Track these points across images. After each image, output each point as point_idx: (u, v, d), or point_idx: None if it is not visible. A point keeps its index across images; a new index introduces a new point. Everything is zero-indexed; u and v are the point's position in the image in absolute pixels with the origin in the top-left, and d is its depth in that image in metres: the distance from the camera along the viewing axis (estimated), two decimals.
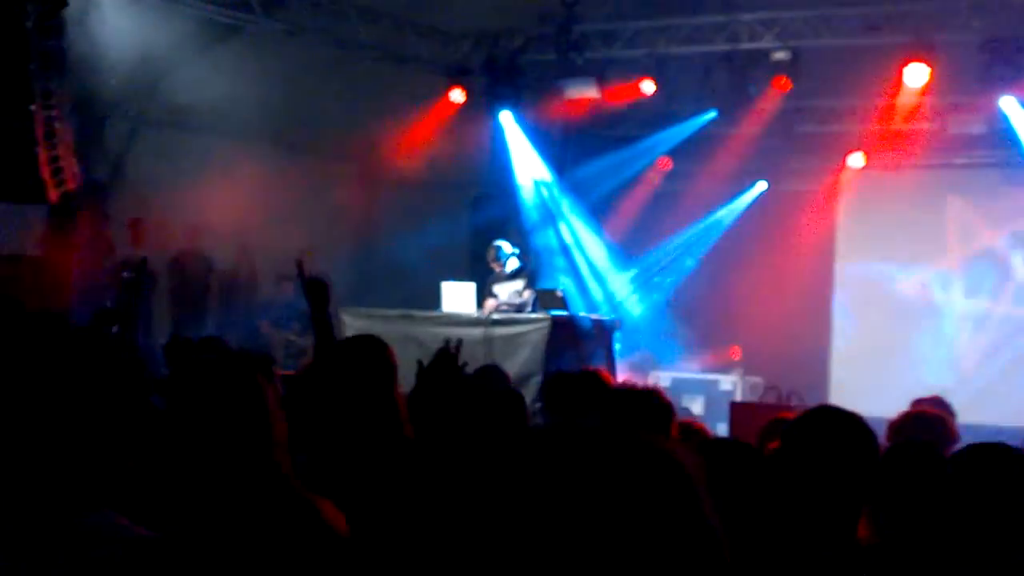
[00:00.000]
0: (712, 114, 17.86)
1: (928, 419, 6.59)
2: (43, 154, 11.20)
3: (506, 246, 15.26)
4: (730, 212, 19.44)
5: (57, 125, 11.39)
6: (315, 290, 5.85)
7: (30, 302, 9.92)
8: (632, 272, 19.73)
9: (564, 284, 17.17)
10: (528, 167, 19.21)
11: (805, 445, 3.65)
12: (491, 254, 15.21)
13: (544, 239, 19.44)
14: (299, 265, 6.04)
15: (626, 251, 19.68)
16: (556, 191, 19.44)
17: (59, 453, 2.96)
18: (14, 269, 12.33)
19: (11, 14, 11.10)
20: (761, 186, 19.26)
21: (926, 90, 15.87)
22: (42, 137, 11.23)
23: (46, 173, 11.26)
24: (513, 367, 12.94)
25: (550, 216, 19.57)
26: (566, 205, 19.58)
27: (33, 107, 11.18)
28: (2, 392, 3.00)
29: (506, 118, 18.41)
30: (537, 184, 19.35)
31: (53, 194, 11.51)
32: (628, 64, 17.22)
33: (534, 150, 18.96)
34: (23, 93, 11.19)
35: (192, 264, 16.79)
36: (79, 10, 12.27)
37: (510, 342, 13.80)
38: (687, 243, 19.73)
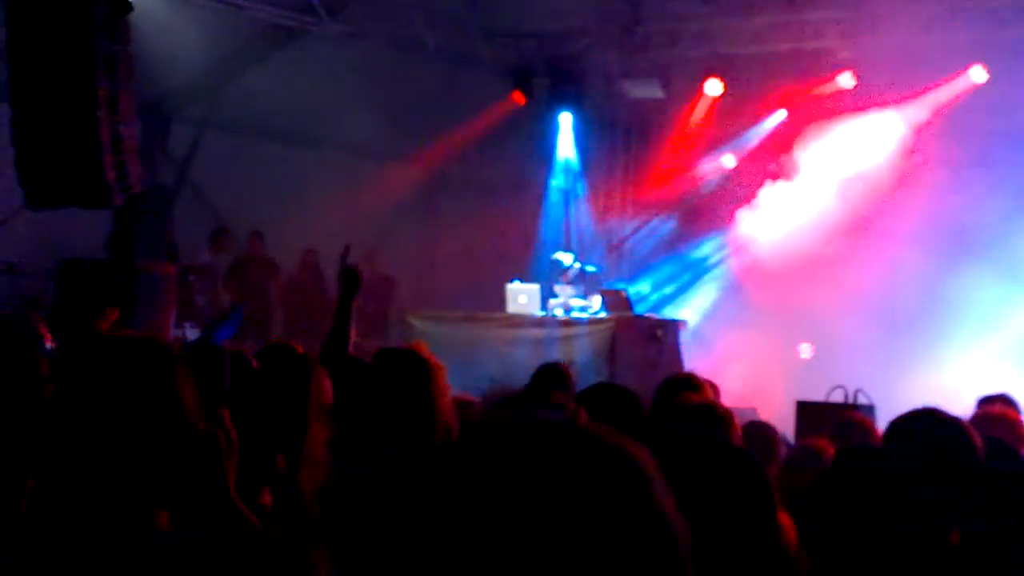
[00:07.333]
0: (782, 113, 17.62)
1: (1000, 421, 6.48)
2: (108, 159, 11.24)
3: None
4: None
5: (122, 129, 11.42)
6: (348, 278, 6.25)
7: (94, 306, 9.99)
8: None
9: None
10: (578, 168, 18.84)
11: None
12: (566, 258, 15.27)
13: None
14: (344, 252, 6.22)
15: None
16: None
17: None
18: (79, 274, 12.42)
19: (77, 18, 11.16)
20: None
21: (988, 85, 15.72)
22: (107, 142, 11.26)
23: (111, 177, 11.29)
24: (577, 367, 12.93)
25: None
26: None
27: (99, 112, 11.21)
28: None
29: (564, 120, 18.27)
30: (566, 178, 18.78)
31: (118, 198, 11.55)
32: (692, 64, 17.09)
33: (576, 152, 18.56)
34: (88, 98, 11.24)
35: (256, 269, 16.81)
36: (143, 14, 12.34)
37: (574, 342, 13.79)
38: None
